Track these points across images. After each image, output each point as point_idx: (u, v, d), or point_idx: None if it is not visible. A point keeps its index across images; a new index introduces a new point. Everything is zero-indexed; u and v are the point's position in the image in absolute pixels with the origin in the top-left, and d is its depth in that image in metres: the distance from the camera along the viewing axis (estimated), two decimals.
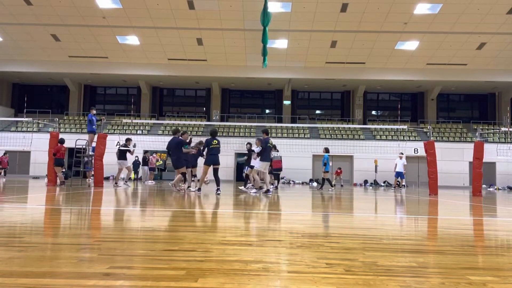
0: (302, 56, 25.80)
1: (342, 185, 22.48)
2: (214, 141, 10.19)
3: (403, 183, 20.01)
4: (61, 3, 21.14)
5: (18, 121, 27.87)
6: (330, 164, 26.56)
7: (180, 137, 10.91)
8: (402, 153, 19.50)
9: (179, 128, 11.60)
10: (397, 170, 19.07)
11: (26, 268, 2.13)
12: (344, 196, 10.96)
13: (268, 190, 10.55)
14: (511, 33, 22.72)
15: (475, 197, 11.76)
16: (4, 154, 21.37)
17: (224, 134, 26.93)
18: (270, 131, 28.19)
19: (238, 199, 8.46)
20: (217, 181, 10.23)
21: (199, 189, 10.17)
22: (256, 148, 11.09)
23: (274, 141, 24.00)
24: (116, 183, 13.45)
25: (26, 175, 25.35)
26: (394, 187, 19.76)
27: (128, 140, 14.17)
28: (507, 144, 24.23)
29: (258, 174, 11.09)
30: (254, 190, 10.72)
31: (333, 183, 23.05)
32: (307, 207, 7.03)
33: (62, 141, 13.15)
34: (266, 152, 10.83)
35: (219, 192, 9.84)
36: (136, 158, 22.23)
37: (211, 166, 10.19)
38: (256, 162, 11.08)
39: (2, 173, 20.38)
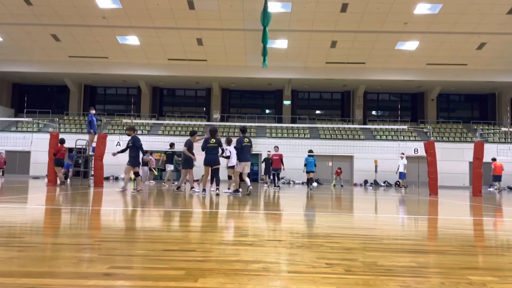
0: (302, 56, 25.79)
1: (342, 185, 22.49)
2: (212, 140, 9.74)
3: (396, 184, 20.19)
4: (61, 3, 21.14)
5: (18, 121, 27.86)
6: (330, 164, 26.56)
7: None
8: (403, 153, 19.61)
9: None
10: (400, 171, 19.25)
11: (26, 268, 2.13)
12: (344, 196, 10.97)
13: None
14: (511, 33, 22.72)
15: (475, 197, 11.76)
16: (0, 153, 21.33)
17: (224, 134, 26.93)
18: (270, 131, 28.21)
19: (237, 199, 8.45)
20: (217, 181, 9.87)
21: (203, 190, 9.77)
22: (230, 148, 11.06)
23: (274, 141, 24.19)
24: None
25: (26, 175, 25.35)
26: (405, 187, 19.90)
27: (172, 144, 15.49)
28: (507, 144, 24.23)
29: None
30: (231, 190, 10.62)
31: (333, 183, 23.15)
32: (307, 207, 7.03)
33: (62, 141, 13.16)
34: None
35: (217, 192, 9.50)
36: None
37: (211, 166, 9.84)
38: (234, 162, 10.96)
39: (0, 173, 20.34)
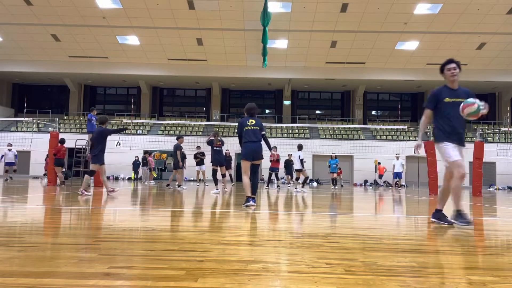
0: (302, 56, 25.79)
1: (342, 185, 22.49)
2: (251, 120, 6.71)
3: (396, 184, 20.74)
4: (61, 3, 21.14)
5: (18, 121, 27.86)
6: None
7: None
8: (398, 154, 20.25)
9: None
10: (395, 170, 19.78)
11: (26, 268, 2.13)
12: (344, 196, 10.97)
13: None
14: (511, 33, 22.72)
15: (475, 197, 11.76)
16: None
17: (224, 134, 26.93)
18: (270, 131, 28.20)
19: (238, 199, 8.45)
20: (254, 186, 6.41)
21: (251, 199, 6.31)
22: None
23: (274, 141, 24.18)
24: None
25: (26, 175, 25.34)
26: (394, 186, 20.56)
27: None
28: (507, 144, 24.23)
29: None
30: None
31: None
32: (307, 207, 7.02)
33: (62, 141, 13.15)
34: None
35: (254, 202, 6.25)
36: (136, 158, 22.24)
37: (251, 161, 6.51)
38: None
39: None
